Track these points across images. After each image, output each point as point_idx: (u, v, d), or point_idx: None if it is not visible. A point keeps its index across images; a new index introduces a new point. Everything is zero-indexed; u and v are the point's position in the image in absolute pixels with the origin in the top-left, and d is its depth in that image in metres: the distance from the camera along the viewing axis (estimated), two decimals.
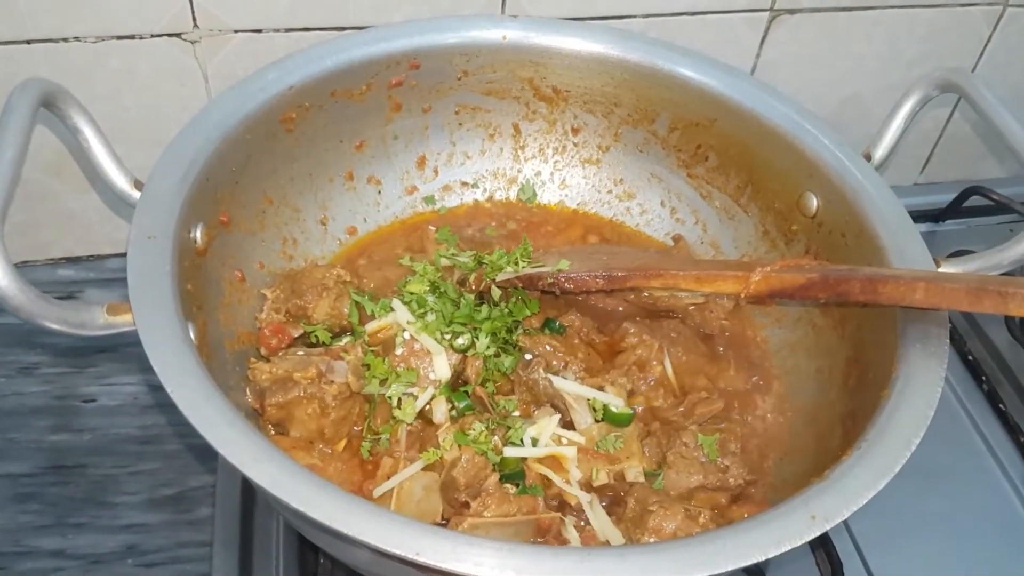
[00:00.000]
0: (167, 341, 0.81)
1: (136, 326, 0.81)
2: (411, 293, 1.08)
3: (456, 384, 1.05)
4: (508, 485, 0.96)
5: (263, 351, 1.06)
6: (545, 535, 0.93)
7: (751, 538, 0.75)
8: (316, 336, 1.07)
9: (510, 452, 0.97)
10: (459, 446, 0.96)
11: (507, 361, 1.06)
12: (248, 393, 1.01)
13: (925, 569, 1.12)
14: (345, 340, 1.07)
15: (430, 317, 1.06)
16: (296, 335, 1.08)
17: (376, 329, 1.08)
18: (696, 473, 0.99)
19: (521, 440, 0.98)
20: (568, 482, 0.97)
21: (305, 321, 1.08)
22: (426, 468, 0.97)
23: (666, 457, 1.00)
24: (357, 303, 1.10)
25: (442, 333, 1.06)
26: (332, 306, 1.08)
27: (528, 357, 1.07)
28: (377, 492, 0.95)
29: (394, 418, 1.02)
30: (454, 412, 1.02)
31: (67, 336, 0.83)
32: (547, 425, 0.99)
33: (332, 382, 1.00)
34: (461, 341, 1.06)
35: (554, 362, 1.06)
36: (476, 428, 0.98)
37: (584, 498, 0.96)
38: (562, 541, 0.93)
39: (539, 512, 0.93)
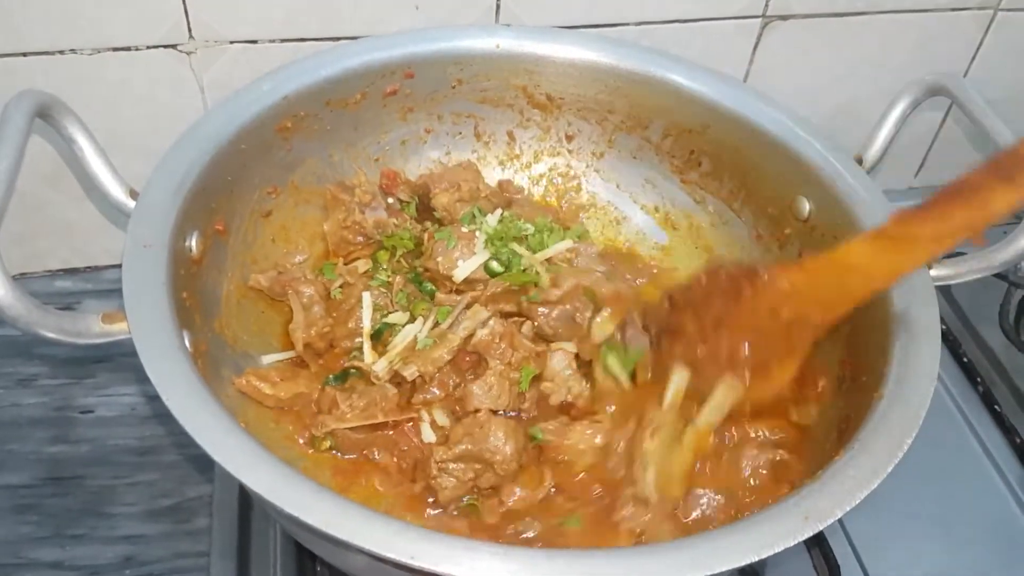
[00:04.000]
0: (162, 350, 0.82)
1: (131, 335, 0.82)
2: None
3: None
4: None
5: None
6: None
7: (744, 539, 0.75)
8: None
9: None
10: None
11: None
12: None
13: (921, 570, 1.12)
14: None
15: None
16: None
17: None
18: None
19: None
20: None
21: None
22: None
23: None
24: None
25: None
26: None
27: None
28: None
29: None
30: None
31: (64, 346, 0.84)
32: None
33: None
34: None
35: None
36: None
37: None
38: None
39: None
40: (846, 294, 0.85)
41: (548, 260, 1.14)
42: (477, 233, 1.14)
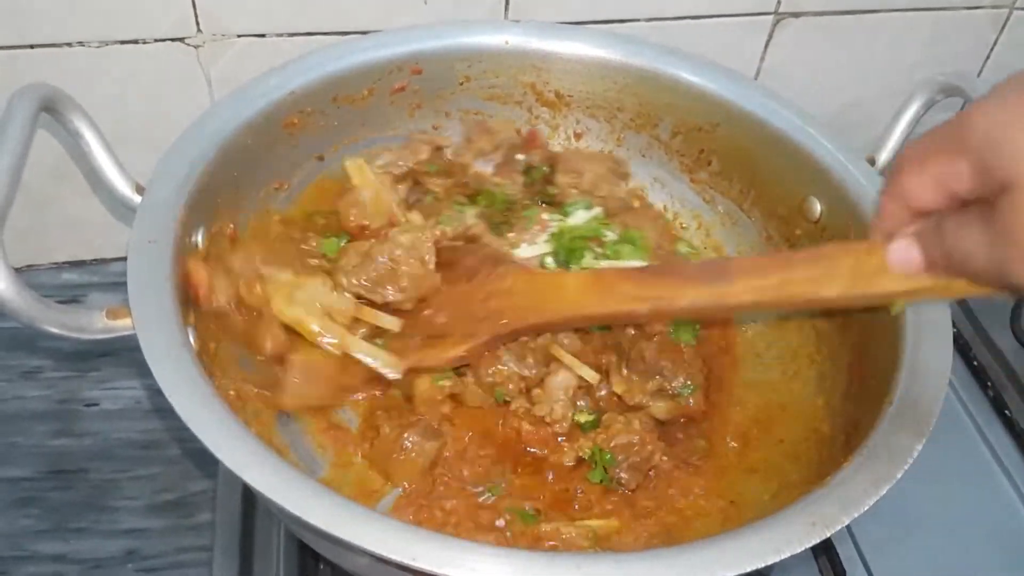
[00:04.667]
0: (166, 345, 0.81)
1: (135, 330, 0.81)
2: None
3: None
4: None
5: None
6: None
7: (750, 544, 0.74)
8: None
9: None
10: None
11: None
12: None
13: (929, 574, 1.11)
14: None
15: None
16: None
17: None
18: None
19: None
20: None
21: None
22: None
23: None
24: None
25: None
26: None
27: None
28: None
29: None
30: None
31: (67, 340, 0.83)
32: None
33: None
34: None
35: None
36: None
37: None
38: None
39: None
40: (549, 311, 0.98)
41: None
42: (551, 224, 1.15)
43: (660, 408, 1.05)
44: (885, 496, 0.79)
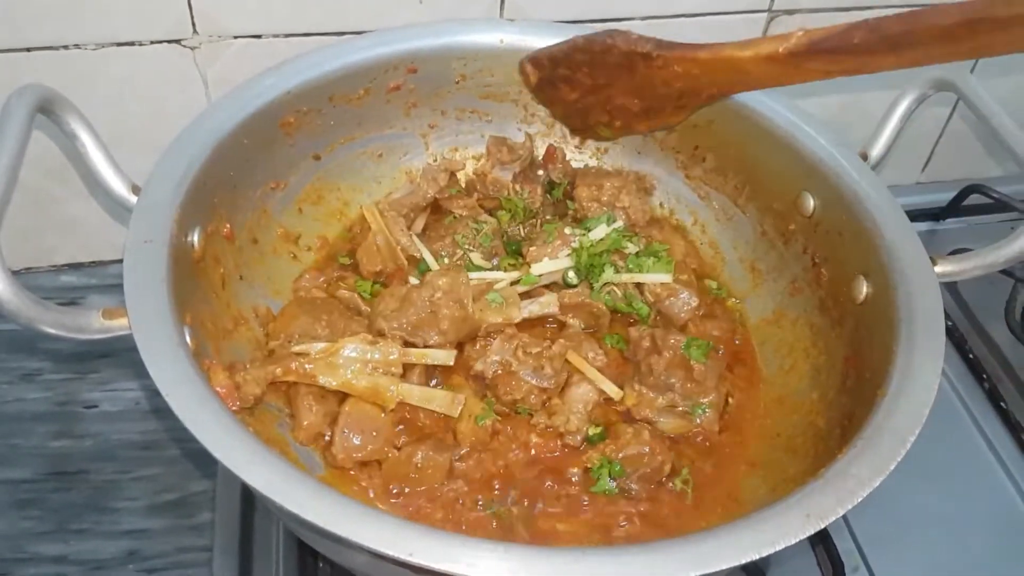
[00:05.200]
0: (163, 345, 0.81)
1: (131, 330, 0.82)
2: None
3: None
4: None
5: None
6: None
7: (745, 537, 0.74)
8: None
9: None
10: None
11: None
12: None
13: (926, 567, 1.11)
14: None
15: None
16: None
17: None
18: None
19: None
20: None
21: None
22: None
23: None
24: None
25: None
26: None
27: None
28: None
29: None
30: None
31: (65, 341, 0.84)
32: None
33: None
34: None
35: None
36: None
37: None
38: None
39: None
40: (732, 85, 1.07)
41: (637, 286, 1.15)
42: (573, 240, 1.15)
43: (667, 424, 1.05)
44: (882, 488, 0.79)
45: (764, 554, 0.73)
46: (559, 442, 1.03)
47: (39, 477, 1.19)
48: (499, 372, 1.04)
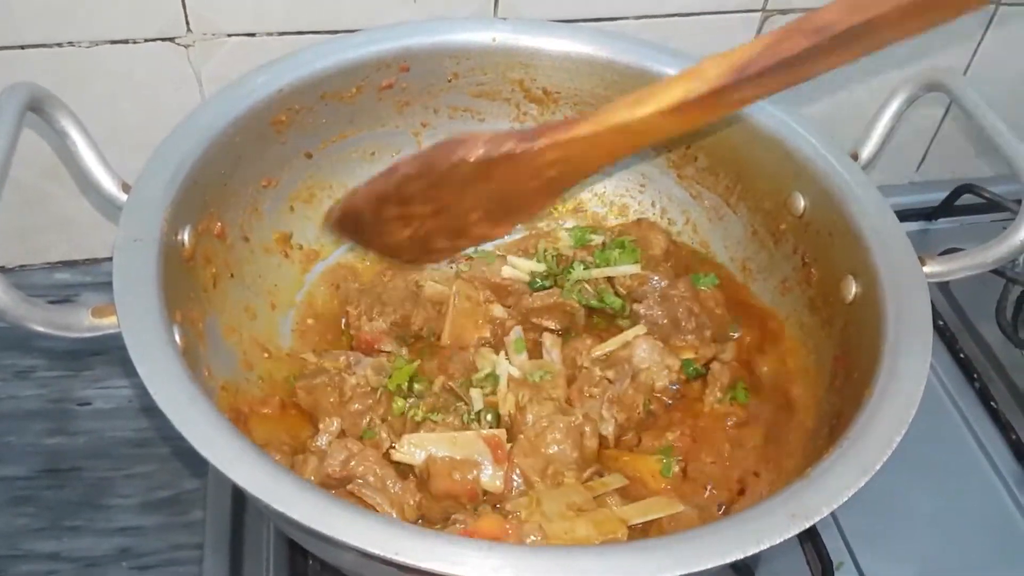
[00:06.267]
0: (151, 343, 0.82)
1: (120, 327, 0.82)
2: None
3: None
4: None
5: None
6: (496, 451, 0.98)
7: (731, 536, 0.75)
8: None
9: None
10: None
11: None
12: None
13: (915, 566, 1.12)
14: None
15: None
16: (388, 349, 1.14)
17: None
18: None
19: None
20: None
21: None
22: None
23: None
24: None
25: None
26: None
27: None
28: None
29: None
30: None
31: (55, 338, 0.84)
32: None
33: (353, 373, 1.04)
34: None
35: None
36: None
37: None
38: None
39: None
40: (631, 147, 0.87)
41: (608, 279, 1.17)
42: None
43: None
44: (871, 486, 0.80)
45: (749, 553, 0.74)
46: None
47: (33, 474, 1.19)
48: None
